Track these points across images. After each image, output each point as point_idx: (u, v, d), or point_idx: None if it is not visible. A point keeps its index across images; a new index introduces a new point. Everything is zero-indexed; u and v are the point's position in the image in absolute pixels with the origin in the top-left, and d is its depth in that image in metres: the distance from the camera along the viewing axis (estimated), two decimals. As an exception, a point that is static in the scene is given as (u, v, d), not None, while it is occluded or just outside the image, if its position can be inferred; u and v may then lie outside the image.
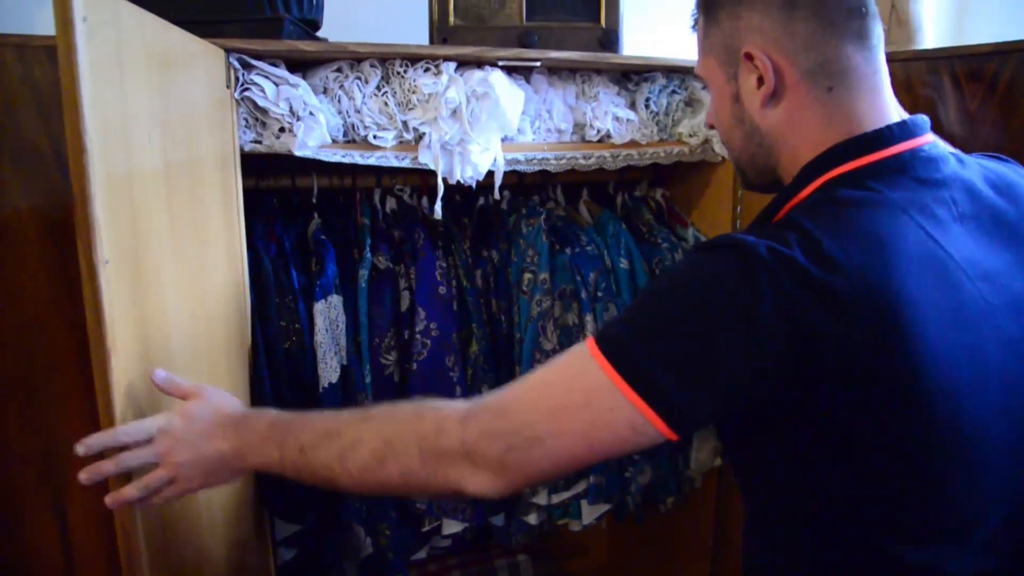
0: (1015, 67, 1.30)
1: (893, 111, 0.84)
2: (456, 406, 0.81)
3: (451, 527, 1.67)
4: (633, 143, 1.68)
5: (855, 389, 0.71)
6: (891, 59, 0.88)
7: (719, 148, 1.72)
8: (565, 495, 1.74)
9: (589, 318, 1.71)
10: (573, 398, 0.73)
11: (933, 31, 1.77)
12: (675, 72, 1.68)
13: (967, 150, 0.92)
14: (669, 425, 0.71)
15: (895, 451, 0.74)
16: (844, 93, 0.81)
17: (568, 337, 1.72)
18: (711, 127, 1.01)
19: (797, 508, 0.82)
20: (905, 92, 1.35)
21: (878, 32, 0.82)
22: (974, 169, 0.86)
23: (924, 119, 0.84)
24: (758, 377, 0.71)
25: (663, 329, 0.73)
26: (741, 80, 0.85)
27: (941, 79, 1.37)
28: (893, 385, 0.71)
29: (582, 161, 1.67)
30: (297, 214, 1.65)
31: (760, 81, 0.83)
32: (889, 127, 0.81)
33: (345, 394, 1.54)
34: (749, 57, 0.82)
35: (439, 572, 1.77)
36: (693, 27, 0.95)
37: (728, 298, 0.70)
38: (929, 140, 0.83)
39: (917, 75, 1.40)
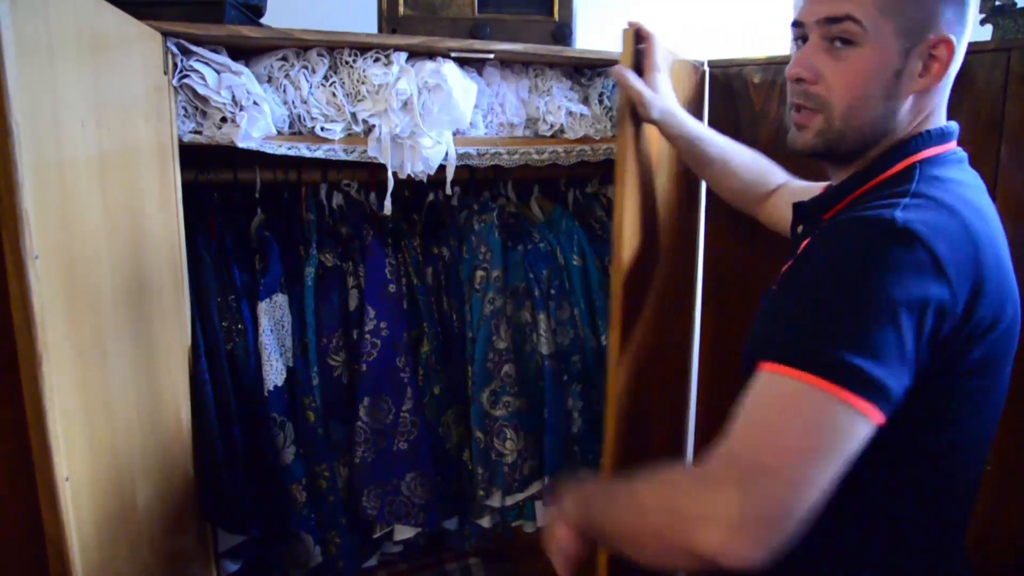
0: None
1: None
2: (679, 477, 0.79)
3: (403, 533, 1.62)
4: (586, 138, 1.66)
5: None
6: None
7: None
8: (519, 496, 1.70)
9: (542, 316, 1.69)
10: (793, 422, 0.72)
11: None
12: (628, 67, 1.66)
13: None
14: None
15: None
16: (942, 96, 0.88)
17: (521, 335, 1.69)
18: (799, 80, 0.89)
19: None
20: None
21: None
22: None
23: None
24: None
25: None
26: (911, 60, 0.83)
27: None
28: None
29: (535, 156, 1.64)
30: (239, 209, 1.57)
31: (925, 68, 0.83)
32: (950, 125, 0.89)
33: (291, 397, 1.48)
34: (935, 44, 0.82)
35: (390, 579, 1.72)
36: None
37: None
38: None
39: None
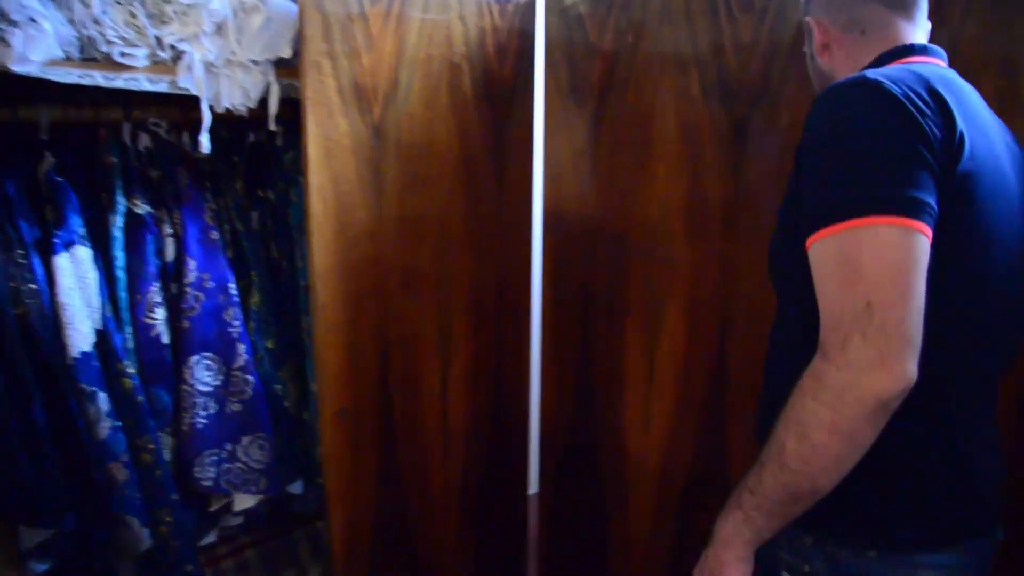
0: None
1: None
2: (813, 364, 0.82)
3: (244, 502, 1.51)
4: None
5: None
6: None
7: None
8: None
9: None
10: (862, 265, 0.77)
11: None
12: None
13: None
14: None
15: None
16: (877, 32, 0.97)
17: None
18: None
19: None
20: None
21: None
22: None
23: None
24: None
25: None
26: (811, 42, 1.05)
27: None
28: None
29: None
30: (22, 152, 1.35)
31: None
32: (925, 44, 0.96)
33: (103, 363, 1.30)
34: (808, 24, 1.04)
35: (232, 554, 1.58)
36: None
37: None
38: None
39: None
